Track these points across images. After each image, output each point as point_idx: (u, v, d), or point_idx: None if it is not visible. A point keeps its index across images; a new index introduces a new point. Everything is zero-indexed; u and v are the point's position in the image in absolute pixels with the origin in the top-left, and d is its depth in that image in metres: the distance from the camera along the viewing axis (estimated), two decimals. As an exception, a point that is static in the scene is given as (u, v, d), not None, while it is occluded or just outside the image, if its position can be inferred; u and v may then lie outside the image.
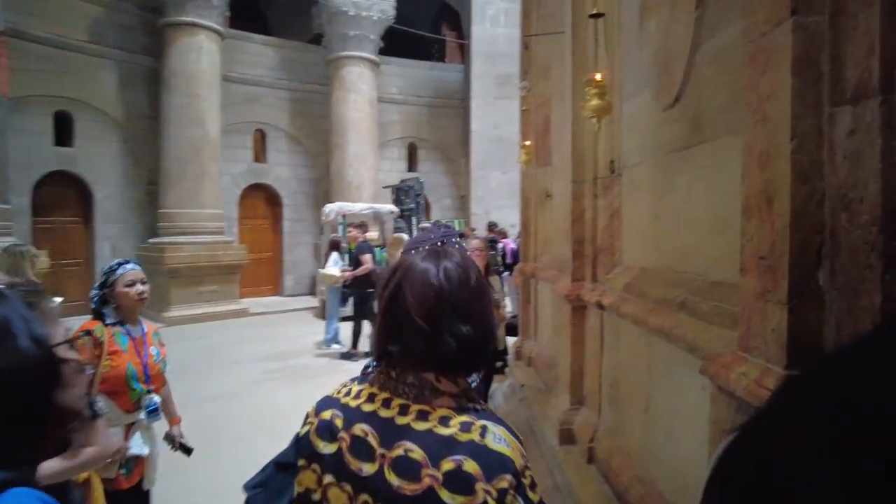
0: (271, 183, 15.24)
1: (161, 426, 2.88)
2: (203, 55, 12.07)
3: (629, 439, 3.22)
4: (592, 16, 2.99)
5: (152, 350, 2.80)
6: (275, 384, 7.33)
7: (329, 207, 11.99)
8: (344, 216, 11.97)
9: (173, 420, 3.04)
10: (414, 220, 13.34)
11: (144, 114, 12.83)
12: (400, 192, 13.99)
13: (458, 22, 16.95)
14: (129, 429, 2.67)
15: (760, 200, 1.70)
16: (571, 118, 4.16)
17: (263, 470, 1.27)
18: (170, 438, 3.00)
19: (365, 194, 13.99)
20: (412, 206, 13.69)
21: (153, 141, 12.50)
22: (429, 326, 1.03)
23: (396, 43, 15.57)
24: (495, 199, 14.77)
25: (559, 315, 4.62)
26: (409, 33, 14.87)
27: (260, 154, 15.13)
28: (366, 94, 14.35)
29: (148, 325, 2.91)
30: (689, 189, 2.64)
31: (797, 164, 1.54)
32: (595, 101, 2.83)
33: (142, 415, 2.69)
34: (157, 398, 2.75)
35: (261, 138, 15.08)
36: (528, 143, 5.57)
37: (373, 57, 14.44)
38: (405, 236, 8.61)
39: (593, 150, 3.90)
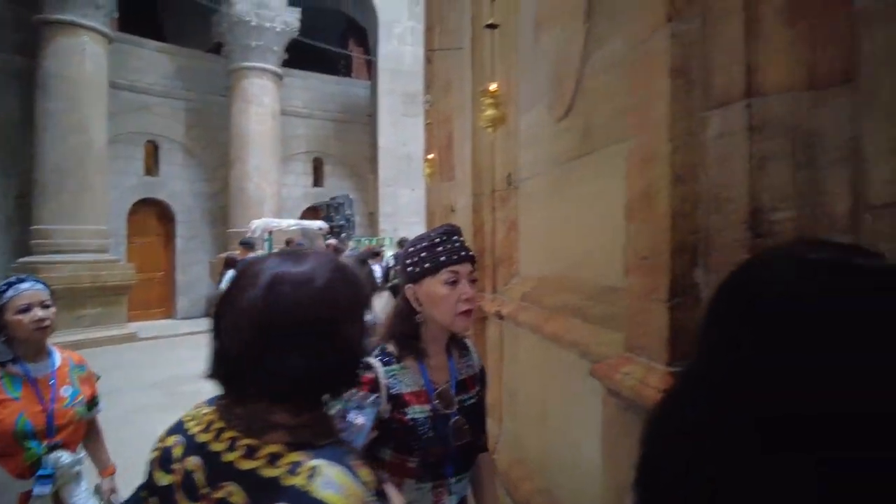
0: (164, 198, 14.30)
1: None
2: (87, 58, 11.14)
3: (528, 449, 3.21)
4: (488, 26, 3.03)
5: (65, 391, 2.19)
6: (159, 413, 6.77)
7: (255, 224, 11.85)
8: (270, 232, 11.56)
9: (104, 471, 2.47)
10: (344, 236, 13.15)
11: (13, 119, 11.62)
12: (330, 209, 13.81)
13: (364, 38, 16.92)
14: (25, 500, 2.02)
15: (642, 203, 1.74)
16: (471, 132, 4.19)
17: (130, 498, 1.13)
18: (99, 492, 2.39)
19: (267, 210, 13.47)
20: (342, 223, 13.55)
21: (24, 149, 11.31)
22: (247, 354, 0.87)
23: (302, 56, 15.26)
24: (404, 216, 14.73)
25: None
26: (315, 47, 14.62)
27: (152, 167, 14.18)
28: (268, 106, 13.92)
29: (65, 358, 2.31)
30: (580, 198, 2.70)
31: (675, 167, 1.59)
32: (490, 112, 2.86)
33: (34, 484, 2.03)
34: (65, 457, 2.08)
35: (153, 150, 14.15)
36: (431, 156, 5.58)
37: (276, 69, 14.06)
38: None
39: (491, 163, 3.94)
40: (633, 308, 1.79)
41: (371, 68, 16.20)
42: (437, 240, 1.66)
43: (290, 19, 13.98)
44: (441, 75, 5.99)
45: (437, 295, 1.59)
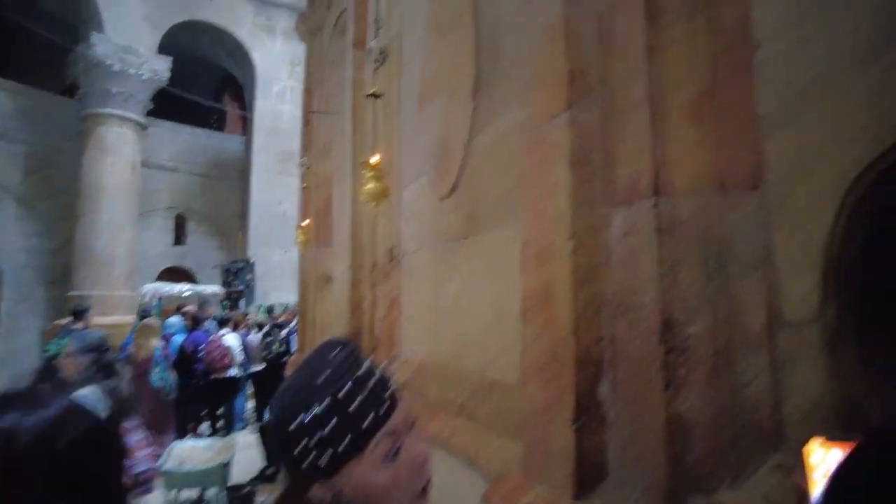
0: (-11, 252, 12.36)
1: None
2: None
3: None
4: (370, 95, 2.84)
5: None
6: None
7: (146, 289, 11.01)
8: (160, 298, 10.49)
9: None
10: (242, 303, 12.24)
11: None
12: (228, 274, 12.84)
13: (241, 93, 16.32)
14: None
15: (540, 302, 1.55)
16: (351, 201, 3.93)
17: None
18: None
19: (118, 270, 12.02)
20: (241, 288, 12.56)
21: None
22: None
23: (172, 106, 14.31)
24: (276, 279, 13.89)
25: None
26: (186, 98, 13.79)
27: (-24, 217, 12.26)
28: (127, 157, 12.70)
29: None
30: (466, 280, 2.49)
31: (576, 266, 1.42)
32: (372, 185, 2.62)
33: None
34: None
35: (-21, 199, 12.29)
36: (306, 223, 5.22)
37: (139, 118, 12.96)
38: (154, 321, 7.38)
39: (372, 234, 3.68)
40: (532, 423, 1.56)
41: (246, 124, 15.57)
42: None
43: (160, 67, 13.08)
44: (320, 138, 5.72)
45: None
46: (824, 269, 1.13)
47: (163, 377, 6.49)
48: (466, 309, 2.44)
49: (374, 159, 2.66)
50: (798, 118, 1.18)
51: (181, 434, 6.66)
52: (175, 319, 7.77)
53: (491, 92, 2.31)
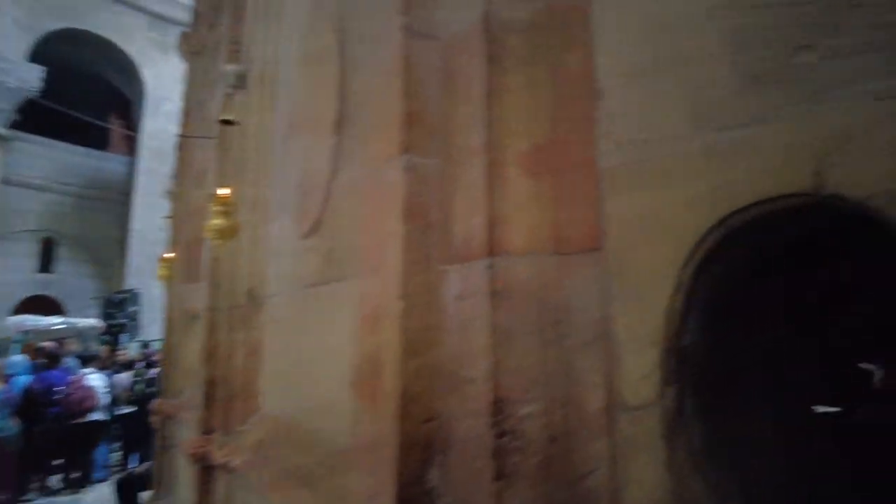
0: None
1: None
2: None
3: None
4: (224, 121, 2.57)
5: None
6: None
7: (11, 321, 9.62)
8: (26, 332, 9.10)
9: None
10: (124, 337, 10.93)
11: None
12: (110, 305, 11.55)
13: (128, 111, 15.25)
14: None
15: (370, 371, 1.34)
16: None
17: None
18: None
19: (-35, 299, 10.61)
20: (123, 321, 11.26)
21: None
22: None
23: (46, 120, 13.04)
24: (158, 312, 12.82)
25: (186, 476, 3.70)
26: (65, 113, 12.64)
27: None
28: (-15, 172, 11.38)
29: None
30: (322, 332, 2.25)
31: (407, 332, 1.23)
32: (218, 221, 2.34)
33: None
34: None
35: None
36: (170, 255, 4.74)
37: (0, 130, 11.69)
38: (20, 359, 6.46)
39: (232, 272, 3.35)
40: (358, 513, 1.33)
41: (132, 144, 14.51)
42: None
43: (30, 77, 11.90)
44: (195, 164, 5.29)
45: None
46: (664, 346, 1.02)
47: (1, 426, 5.63)
48: (322, 365, 2.19)
49: (223, 192, 2.38)
50: (638, 178, 1.08)
51: (21, 492, 5.80)
52: (19, 358, 6.83)
53: (350, 129, 2.12)
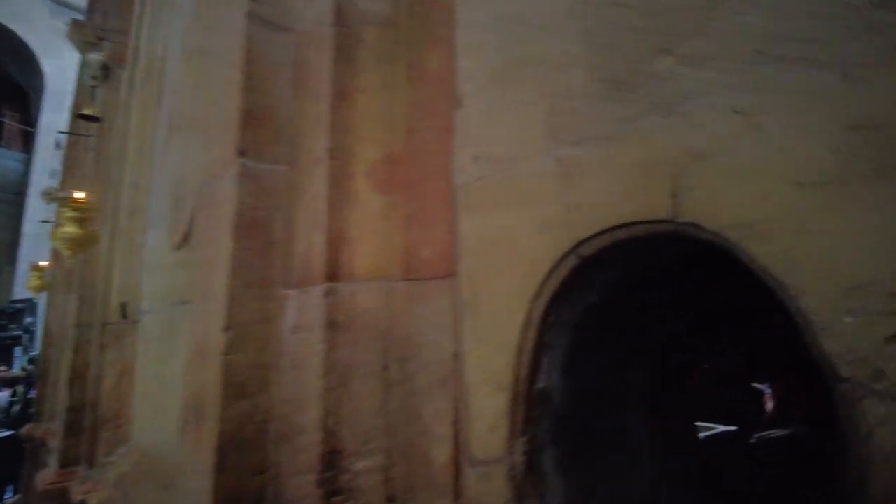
0: None
1: None
2: None
3: None
4: (82, 116, 2.28)
5: None
6: None
7: None
8: None
9: None
10: (18, 350, 10.04)
11: None
12: (3, 316, 10.61)
13: (26, 104, 14.08)
14: None
15: (195, 414, 1.14)
16: (90, 241, 3.21)
17: None
18: None
19: None
20: (18, 333, 10.26)
21: None
22: None
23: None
24: (52, 322, 11.80)
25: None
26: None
27: None
28: None
29: None
30: (172, 362, 2.01)
31: (231, 370, 1.04)
32: (71, 229, 2.04)
33: None
34: None
35: None
36: (44, 263, 4.28)
37: None
38: None
39: (106, 285, 3.01)
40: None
41: (30, 140, 13.38)
42: None
43: None
44: (84, 165, 4.83)
45: None
46: (513, 390, 0.88)
47: None
48: (174, 398, 1.95)
49: (79, 195, 2.08)
50: (493, 197, 0.94)
51: None
52: None
53: (212, 131, 1.91)
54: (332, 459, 0.94)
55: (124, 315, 2.92)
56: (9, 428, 6.18)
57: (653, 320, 1.16)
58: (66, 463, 2.99)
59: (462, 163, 0.99)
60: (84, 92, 5.22)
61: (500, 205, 0.92)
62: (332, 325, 0.98)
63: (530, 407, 0.88)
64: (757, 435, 2.31)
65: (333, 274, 1.00)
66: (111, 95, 3.42)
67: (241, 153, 1.11)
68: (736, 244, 0.67)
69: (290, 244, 1.10)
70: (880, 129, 0.59)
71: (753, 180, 0.67)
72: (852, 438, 0.62)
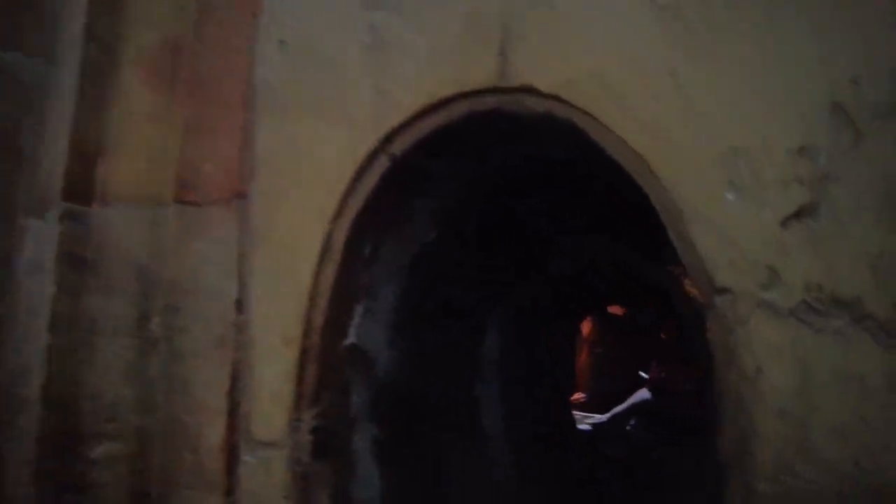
0: None
1: None
2: None
3: None
4: None
5: None
6: None
7: None
8: None
9: None
10: None
11: None
12: None
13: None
14: None
15: None
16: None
17: None
18: None
19: None
20: None
21: None
22: None
23: None
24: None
25: None
26: None
27: None
28: None
29: None
30: None
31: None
32: None
33: None
34: None
35: None
36: None
37: None
38: None
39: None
40: None
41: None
42: None
43: None
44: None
45: None
46: (302, 346, 0.64)
47: None
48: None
49: None
50: (299, 93, 0.70)
51: None
52: None
53: None
54: (59, 443, 0.67)
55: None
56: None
57: (512, 276, 0.94)
58: None
59: (266, 51, 0.74)
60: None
61: (310, 103, 0.68)
62: (71, 262, 0.71)
63: (328, 368, 0.65)
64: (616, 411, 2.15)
65: (80, 194, 0.73)
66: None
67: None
68: (583, 111, 0.46)
69: (39, 159, 0.81)
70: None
71: (606, 19, 0.46)
72: (731, 384, 0.43)
